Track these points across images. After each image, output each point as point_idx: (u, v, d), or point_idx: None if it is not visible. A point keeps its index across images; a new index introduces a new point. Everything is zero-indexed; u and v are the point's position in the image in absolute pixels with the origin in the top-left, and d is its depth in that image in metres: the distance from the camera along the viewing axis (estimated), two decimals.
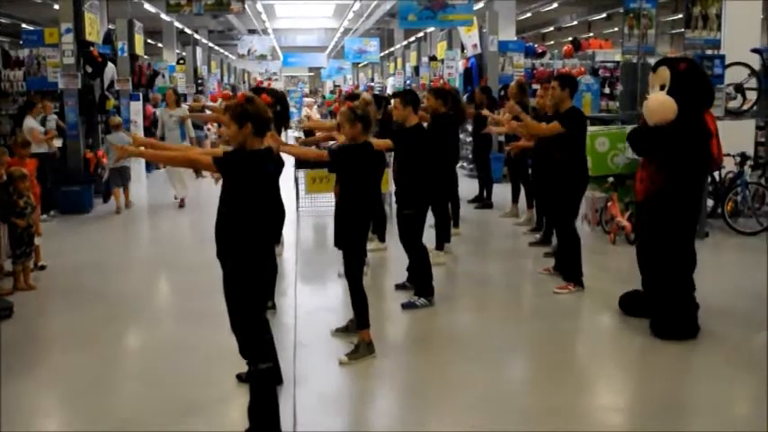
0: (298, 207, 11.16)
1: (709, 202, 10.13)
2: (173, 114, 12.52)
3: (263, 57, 34.26)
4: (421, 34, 27.38)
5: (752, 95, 10.37)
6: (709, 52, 10.01)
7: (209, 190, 12.08)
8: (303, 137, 13.91)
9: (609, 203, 9.47)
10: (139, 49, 16.67)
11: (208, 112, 10.70)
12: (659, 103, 5.90)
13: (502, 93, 13.73)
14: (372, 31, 34.22)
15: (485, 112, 10.45)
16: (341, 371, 5.45)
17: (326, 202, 10.54)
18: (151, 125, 17.03)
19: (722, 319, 6.40)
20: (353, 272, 5.63)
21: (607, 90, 15.31)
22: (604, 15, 25.75)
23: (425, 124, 7.92)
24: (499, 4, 18.23)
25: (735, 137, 10.56)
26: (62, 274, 8.30)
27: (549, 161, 7.47)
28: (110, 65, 14.27)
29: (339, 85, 43.35)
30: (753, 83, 10.33)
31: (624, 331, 6.28)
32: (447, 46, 19.46)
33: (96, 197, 12.64)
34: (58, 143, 12.03)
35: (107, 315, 6.87)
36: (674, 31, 29.01)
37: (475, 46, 16.20)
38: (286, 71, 49.40)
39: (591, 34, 28.16)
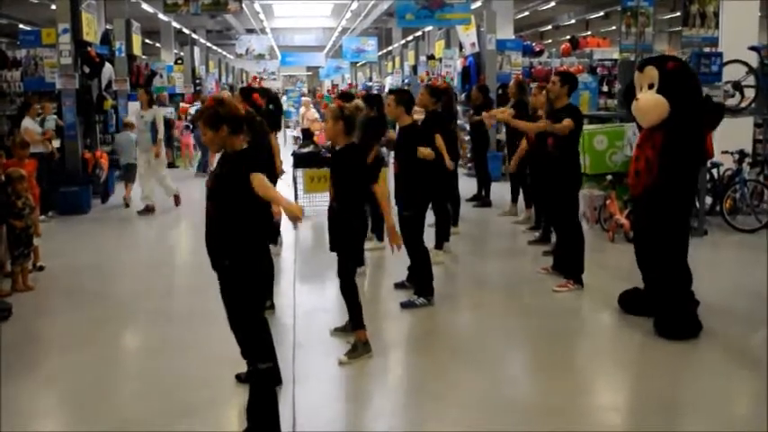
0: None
1: (708, 200, 10.14)
2: (144, 115, 12.03)
3: (261, 56, 34.26)
4: (419, 33, 27.37)
5: (750, 93, 10.38)
6: (706, 50, 10.02)
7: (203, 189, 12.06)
8: (301, 137, 13.95)
9: (607, 201, 9.48)
10: (137, 50, 16.66)
11: None
12: (652, 104, 5.88)
13: (500, 91, 13.73)
14: (370, 31, 34.22)
15: (485, 115, 10.43)
16: (340, 370, 5.44)
17: (325, 201, 10.51)
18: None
19: (721, 317, 6.40)
20: (347, 274, 5.63)
21: (605, 88, 15.31)
22: (602, 14, 25.76)
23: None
24: (497, 3, 18.22)
25: (733, 134, 10.59)
26: (61, 274, 8.30)
27: (546, 159, 7.47)
28: (107, 65, 14.26)
29: (337, 84, 43.37)
30: (751, 80, 10.34)
31: (624, 329, 6.29)
32: (445, 45, 19.46)
33: (94, 198, 12.63)
34: (56, 143, 12.01)
35: (106, 315, 6.86)
36: (671, 29, 29.00)
37: (473, 45, 16.20)
38: (284, 70, 49.40)
39: (589, 32, 28.19)
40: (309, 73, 56.96)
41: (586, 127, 8.94)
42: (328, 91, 39.20)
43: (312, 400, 5.01)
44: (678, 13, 16.57)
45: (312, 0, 27.70)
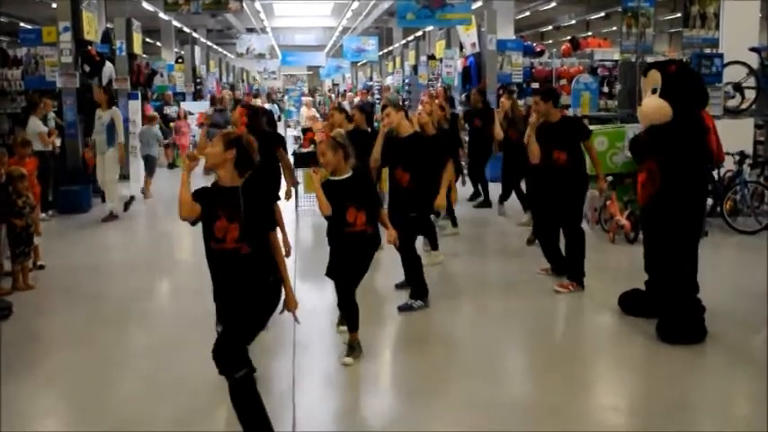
0: (297, 206, 11.17)
1: (709, 201, 10.13)
2: (101, 116, 11.32)
3: (261, 55, 34.26)
4: (420, 33, 27.36)
5: (750, 94, 10.39)
6: (707, 51, 10.02)
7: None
8: (302, 135, 13.95)
9: (608, 202, 9.47)
10: (138, 48, 16.65)
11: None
12: (654, 108, 5.88)
13: (500, 92, 13.72)
14: (371, 30, 34.21)
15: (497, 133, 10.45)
16: (340, 370, 5.45)
17: None
18: None
19: (722, 319, 6.39)
20: (348, 285, 5.66)
21: (606, 89, 15.32)
22: (603, 14, 25.78)
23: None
24: (498, 3, 18.25)
25: (733, 136, 10.56)
26: (61, 273, 8.30)
27: (553, 172, 7.41)
28: (108, 64, 14.26)
29: (338, 84, 43.32)
30: (751, 81, 10.35)
31: (624, 330, 6.28)
32: (446, 45, 19.46)
33: (95, 196, 12.62)
34: (57, 141, 12.02)
35: (106, 315, 6.87)
36: (672, 30, 29.02)
37: (473, 45, 16.21)
38: (285, 70, 49.40)
39: (589, 33, 28.21)
40: (310, 72, 56.94)
41: None
42: (327, 93, 39.18)
43: (312, 399, 5.02)
44: (679, 14, 16.56)
45: None
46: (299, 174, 10.86)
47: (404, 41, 31.44)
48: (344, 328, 5.95)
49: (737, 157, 10.16)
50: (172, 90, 21.53)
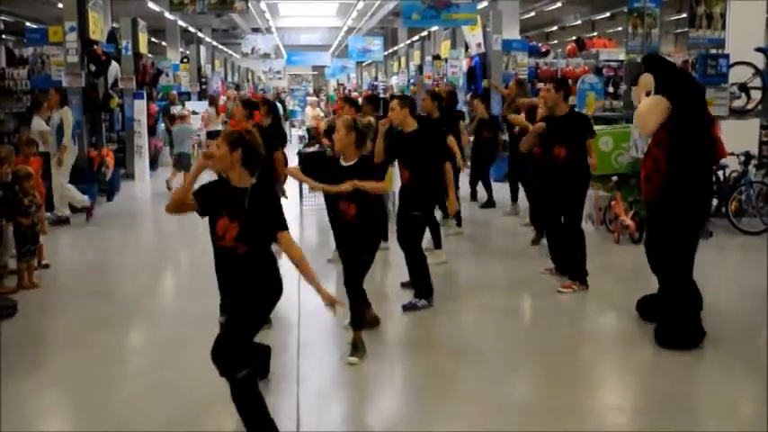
0: (301, 205, 11.17)
1: (714, 201, 10.11)
2: (51, 117, 10.97)
3: (266, 55, 34.27)
4: (425, 33, 27.36)
5: (756, 95, 10.37)
6: (713, 51, 10.00)
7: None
8: (307, 136, 13.96)
9: (613, 202, 9.46)
10: (143, 48, 16.68)
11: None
12: (650, 105, 5.80)
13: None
14: (376, 30, 34.21)
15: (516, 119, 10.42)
16: (344, 370, 5.45)
17: None
18: (155, 123, 17.07)
19: (726, 320, 6.39)
20: (355, 277, 5.65)
21: (611, 89, 15.30)
22: (608, 14, 25.75)
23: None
24: (503, 4, 18.24)
25: (739, 136, 10.56)
26: (65, 272, 8.32)
27: (554, 168, 7.41)
28: (114, 63, 14.30)
29: (343, 84, 43.34)
30: (757, 82, 10.33)
31: (627, 331, 6.27)
32: (451, 45, 19.45)
33: (100, 195, 12.65)
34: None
35: (110, 314, 6.87)
36: (678, 31, 28.94)
37: (479, 45, 16.20)
38: (290, 70, 49.38)
39: (595, 33, 28.18)
40: (315, 72, 56.99)
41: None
42: (334, 90, 39.20)
43: (316, 399, 5.02)
44: (685, 15, 16.51)
45: None
46: None
47: (409, 41, 31.45)
48: (347, 324, 5.97)
49: (743, 158, 10.13)
50: (177, 89, 21.56)
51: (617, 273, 8.17)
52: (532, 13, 25.39)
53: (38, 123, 11.25)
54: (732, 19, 10.53)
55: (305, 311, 6.79)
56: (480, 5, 16.84)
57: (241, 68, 46.87)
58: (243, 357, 4.17)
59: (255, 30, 33.52)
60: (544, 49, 18.41)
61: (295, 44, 38.90)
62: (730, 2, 10.42)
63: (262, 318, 4.36)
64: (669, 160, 5.77)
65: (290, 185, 10.78)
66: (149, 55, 18.86)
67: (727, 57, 9.83)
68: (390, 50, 35.86)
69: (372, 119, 7.63)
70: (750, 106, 10.38)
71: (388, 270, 8.19)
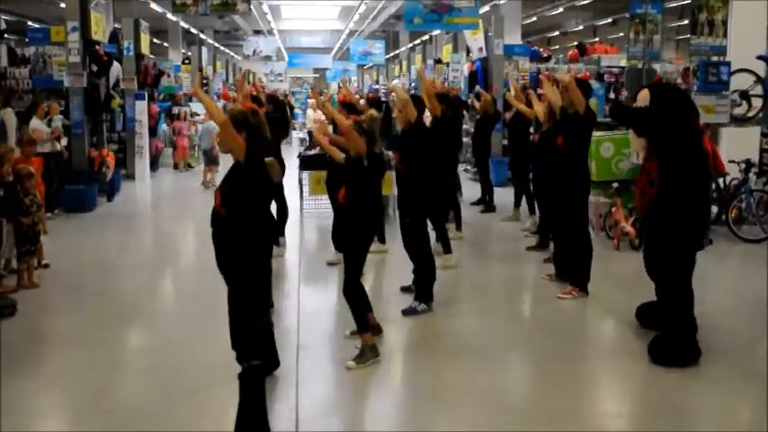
0: (302, 208, 11.18)
1: (714, 209, 10.12)
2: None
3: (268, 58, 34.26)
4: (426, 37, 27.36)
5: (757, 102, 10.37)
6: (714, 59, 10.01)
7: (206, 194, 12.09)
8: (308, 139, 13.97)
9: (613, 209, 9.46)
10: (145, 49, 16.69)
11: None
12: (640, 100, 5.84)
13: (505, 95, 13.72)
14: (378, 33, 34.22)
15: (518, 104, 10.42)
16: (343, 373, 5.45)
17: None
18: (156, 124, 17.07)
19: (725, 329, 6.40)
20: (353, 276, 5.65)
21: (612, 95, 15.28)
22: (610, 20, 25.74)
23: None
24: (505, 8, 18.25)
25: (740, 144, 10.58)
26: (65, 272, 8.31)
27: (553, 162, 7.44)
28: (115, 64, 14.32)
29: (346, 79, 43.28)
30: (758, 90, 10.33)
31: (626, 338, 6.27)
32: (452, 49, 19.45)
33: (100, 196, 12.66)
34: (63, 142, 12.04)
35: (110, 314, 6.88)
36: (679, 37, 28.96)
37: (480, 49, 16.20)
38: (291, 72, 49.39)
39: (596, 39, 28.17)
40: (316, 75, 56.99)
41: (594, 133, 8.92)
42: (335, 93, 39.13)
43: (315, 401, 5.02)
44: (686, 21, 16.56)
45: (320, 2, 27.71)
46: (305, 176, 10.88)
47: (410, 45, 31.44)
48: (354, 335, 5.97)
49: (743, 166, 10.14)
50: (178, 90, 21.56)
51: (617, 279, 8.17)
52: (534, 18, 25.39)
53: (35, 123, 11.26)
54: (733, 26, 10.55)
55: (304, 313, 6.80)
56: (482, 10, 16.84)
57: (242, 70, 46.87)
58: (253, 345, 4.44)
59: (257, 32, 33.51)
60: (545, 55, 18.40)
61: (297, 46, 38.90)
62: (732, 9, 10.43)
63: (251, 275, 4.56)
64: (660, 173, 5.76)
65: (289, 185, 10.79)
66: (151, 56, 18.86)
67: (728, 64, 9.84)
68: (392, 54, 35.86)
69: (374, 111, 7.78)
70: (751, 114, 10.38)
71: (388, 274, 8.19)
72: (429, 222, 7.48)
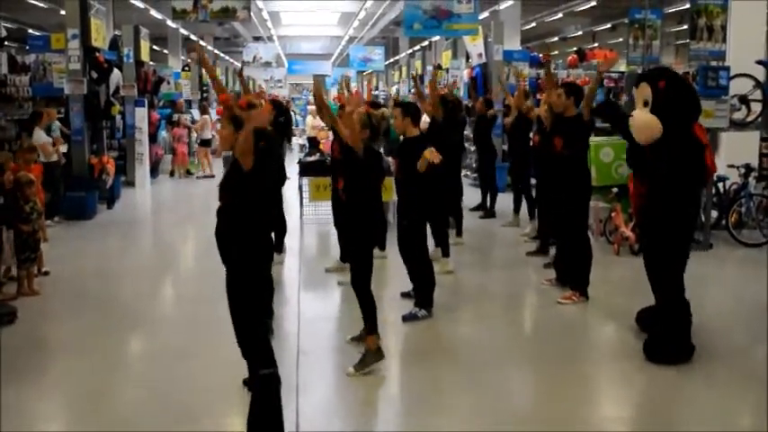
0: (301, 215, 11.18)
1: (714, 214, 10.12)
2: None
3: (268, 64, 34.33)
4: (426, 43, 27.43)
5: (756, 107, 10.37)
6: (713, 64, 10.02)
7: (209, 196, 12.10)
8: (307, 145, 13.97)
9: (613, 214, 9.47)
10: (145, 56, 16.71)
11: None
12: (643, 123, 5.75)
13: (505, 101, 13.73)
14: (377, 40, 34.29)
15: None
16: (343, 379, 5.44)
17: (330, 210, 10.54)
18: (156, 131, 17.08)
19: (724, 333, 6.39)
20: (362, 280, 5.64)
21: (612, 100, 15.29)
22: (609, 26, 25.77)
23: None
24: (504, 14, 18.28)
25: (739, 148, 10.58)
26: (66, 279, 8.31)
27: (553, 165, 7.45)
28: (115, 71, 14.33)
29: (342, 93, 43.33)
30: (757, 94, 10.34)
31: (627, 343, 6.26)
32: (452, 55, 19.48)
33: (100, 203, 12.66)
34: (63, 149, 12.04)
35: (110, 321, 6.87)
36: (678, 42, 29.00)
37: (480, 55, 16.22)
38: (291, 78, 49.49)
39: (596, 44, 28.19)
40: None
41: (593, 139, 8.93)
42: (334, 99, 39.16)
43: (315, 408, 5.02)
44: (686, 27, 16.58)
45: (320, 7, 27.77)
46: (305, 182, 10.88)
47: (410, 51, 31.51)
48: (354, 340, 5.97)
49: (743, 170, 10.15)
50: (177, 97, 21.60)
51: (617, 284, 8.17)
52: (533, 24, 25.45)
53: (38, 135, 11.25)
54: (733, 31, 10.57)
55: (304, 320, 6.79)
56: (482, 16, 16.88)
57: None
58: (264, 354, 4.33)
59: (257, 38, 33.59)
60: (544, 61, 18.41)
61: (296, 53, 38.98)
62: (731, 14, 10.45)
63: (254, 274, 4.42)
64: (656, 179, 5.78)
65: (289, 187, 10.80)
66: (151, 63, 18.89)
67: (727, 69, 9.84)
68: (391, 60, 35.92)
69: (386, 110, 7.88)
70: (750, 118, 10.38)
71: (388, 280, 8.18)
72: (429, 228, 7.49)
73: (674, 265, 5.83)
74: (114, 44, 15.56)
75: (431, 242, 8.03)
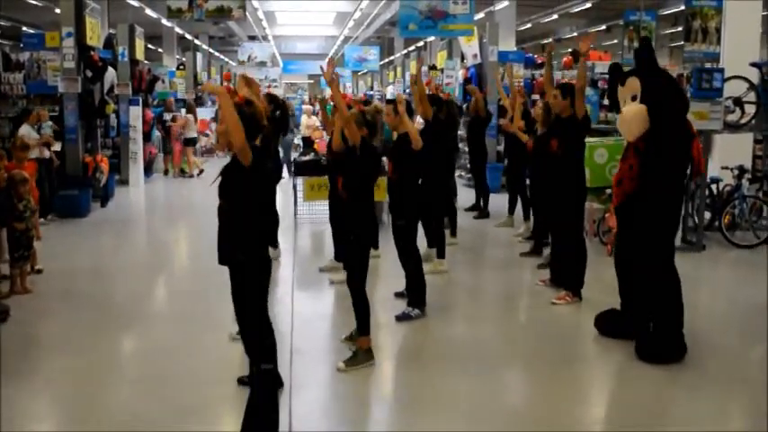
0: (296, 214, 11.17)
1: (707, 215, 10.15)
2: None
3: (263, 63, 34.29)
4: (421, 43, 27.45)
5: (750, 109, 10.40)
6: (708, 65, 10.04)
7: (204, 195, 12.09)
8: (302, 144, 13.98)
9: (606, 215, 9.48)
10: (140, 54, 16.69)
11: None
12: (633, 114, 5.76)
13: (500, 102, 13.75)
14: (372, 40, 34.29)
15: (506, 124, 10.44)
16: (336, 378, 5.44)
17: (325, 209, 10.53)
18: (150, 130, 17.04)
19: (716, 334, 6.41)
20: (356, 280, 5.64)
21: (606, 102, 15.30)
22: (604, 27, 25.83)
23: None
24: (500, 15, 18.30)
25: (733, 150, 10.62)
26: (59, 277, 8.29)
27: (547, 166, 7.47)
28: (110, 69, 14.30)
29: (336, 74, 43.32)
30: (751, 96, 10.37)
31: (620, 343, 6.26)
32: (447, 55, 19.50)
33: (94, 201, 12.64)
34: (57, 147, 12.00)
35: (104, 319, 6.86)
36: (673, 44, 29.10)
37: (475, 56, 16.24)
38: (286, 78, 49.45)
39: (591, 46, 28.26)
40: (311, 81, 57.06)
41: (587, 140, 8.94)
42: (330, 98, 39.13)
43: (309, 407, 5.01)
44: (680, 29, 16.60)
45: (315, 6, 27.75)
46: (299, 182, 10.87)
47: (405, 51, 31.53)
48: (347, 340, 5.97)
49: (736, 172, 10.18)
50: (173, 96, 21.57)
51: (610, 285, 8.11)
52: (528, 25, 25.49)
53: (26, 130, 11.23)
54: (727, 34, 10.60)
55: (298, 319, 6.79)
56: (477, 17, 16.89)
57: (237, 76, 46.86)
58: (265, 349, 4.34)
59: (252, 38, 33.57)
60: (540, 61, 18.42)
61: (291, 52, 38.96)
62: (726, 17, 10.48)
63: (257, 271, 4.40)
64: (642, 168, 5.79)
65: (283, 191, 10.80)
66: (146, 61, 18.86)
67: (721, 71, 9.86)
68: (386, 60, 35.92)
69: (378, 104, 7.88)
70: (744, 120, 10.42)
71: (381, 280, 8.19)
72: (421, 227, 7.50)
73: (662, 258, 5.83)
74: (109, 43, 15.53)
75: (422, 243, 8.03)
